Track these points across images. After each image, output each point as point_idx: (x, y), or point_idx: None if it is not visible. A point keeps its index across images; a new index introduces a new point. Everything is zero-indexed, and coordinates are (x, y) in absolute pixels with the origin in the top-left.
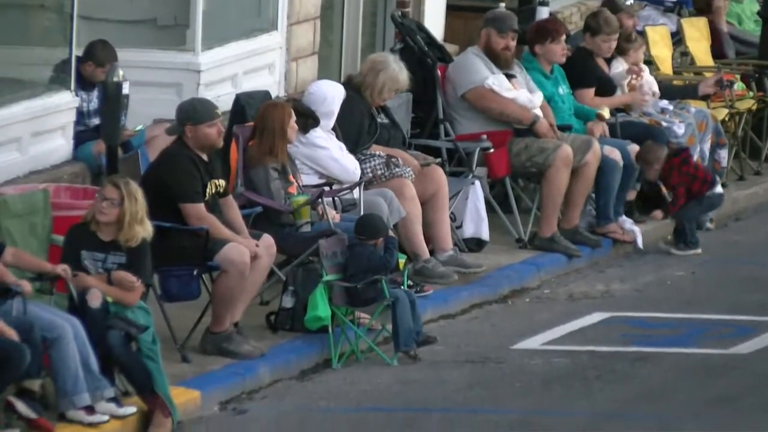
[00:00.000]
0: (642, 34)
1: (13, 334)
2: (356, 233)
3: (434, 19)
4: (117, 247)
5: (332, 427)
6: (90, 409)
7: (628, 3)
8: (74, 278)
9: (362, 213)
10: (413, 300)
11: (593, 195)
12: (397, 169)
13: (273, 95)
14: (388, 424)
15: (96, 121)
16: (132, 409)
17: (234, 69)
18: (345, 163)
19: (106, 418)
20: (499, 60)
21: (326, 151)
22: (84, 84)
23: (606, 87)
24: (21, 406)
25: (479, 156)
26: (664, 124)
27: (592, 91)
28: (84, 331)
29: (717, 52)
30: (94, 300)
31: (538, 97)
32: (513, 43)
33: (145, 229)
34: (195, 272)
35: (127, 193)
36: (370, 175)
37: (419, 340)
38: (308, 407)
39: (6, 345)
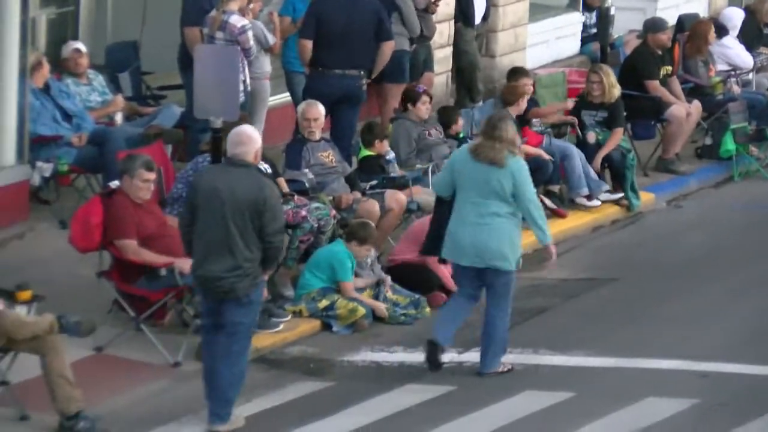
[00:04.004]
0: None
1: (543, 154)
2: None
3: None
4: (602, 105)
5: (728, 216)
6: (589, 197)
7: None
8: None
9: (754, 88)
10: None
11: None
12: None
13: (700, 16)
14: (763, 216)
15: (593, 30)
16: (618, 195)
17: (677, 0)
18: (744, 57)
19: (599, 203)
20: None
21: (732, 50)
22: (587, 8)
23: None
24: (547, 202)
25: None
26: None
27: None
28: (583, 155)
29: None
30: (591, 139)
31: None
32: None
33: (618, 91)
34: (653, 122)
35: (605, 74)
36: (758, 65)
37: None
38: (717, 204)
39: (540, 161)
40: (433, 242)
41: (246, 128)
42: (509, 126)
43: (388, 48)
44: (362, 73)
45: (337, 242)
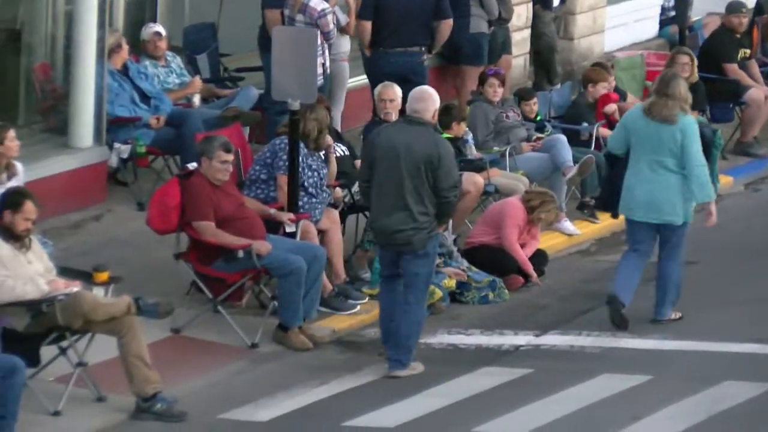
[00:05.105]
0: None
1: None
2: None
3: None
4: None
5: None
6: None
7: None
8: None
9: None
10: None
11: None
12: None
13: None
14: None
15: (672, 13)
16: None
17: None
18: None
19: None
20: None
21: None
22: None
23: None
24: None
25: None
26: None
27: None
28: None
29: None
30: None
31: None
32: None
33: (696, 76)
34: (731, 105)
35: (690, 59)
36: None
37: None
38: None
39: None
40: (608, 200)
41: (428, 87)
42: (681, 84)
43: (446, 26)
44: (423, 49)
45: None
